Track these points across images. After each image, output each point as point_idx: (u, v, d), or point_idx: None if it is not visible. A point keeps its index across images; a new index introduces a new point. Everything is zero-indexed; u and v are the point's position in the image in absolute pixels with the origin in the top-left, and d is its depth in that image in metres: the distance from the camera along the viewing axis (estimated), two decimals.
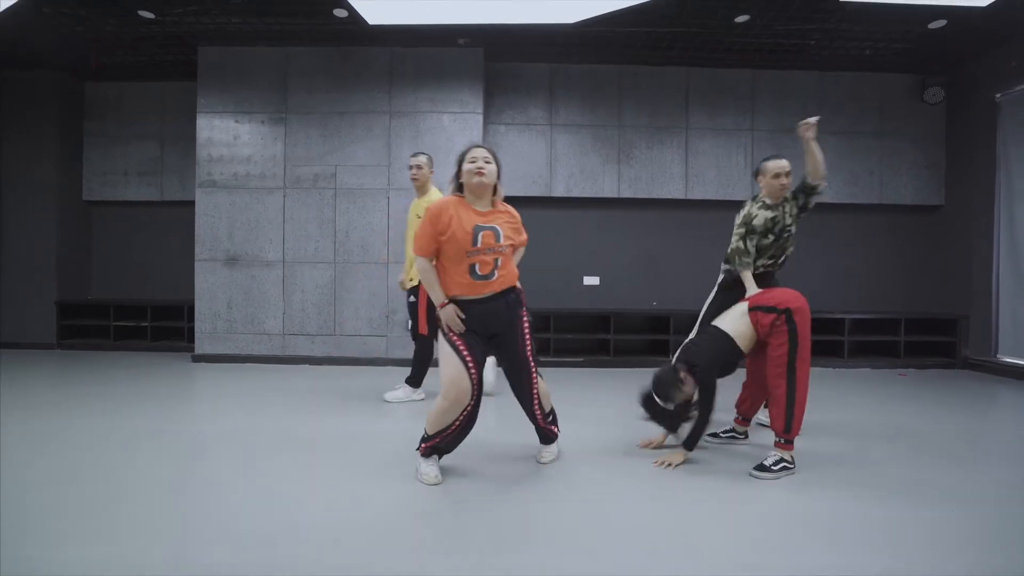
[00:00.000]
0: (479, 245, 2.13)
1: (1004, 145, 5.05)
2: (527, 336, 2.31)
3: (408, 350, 4.90)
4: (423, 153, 3.54)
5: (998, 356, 5.10)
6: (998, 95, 5.06)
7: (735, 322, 2.52)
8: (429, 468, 2.23)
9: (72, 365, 4.76)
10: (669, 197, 5.29)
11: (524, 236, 2.39)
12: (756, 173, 2.98)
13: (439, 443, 2.24)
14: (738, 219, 2.96)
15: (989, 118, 5.11)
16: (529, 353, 2.32)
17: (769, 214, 2.84)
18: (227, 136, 4.96)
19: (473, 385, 2.14)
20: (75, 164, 5.67)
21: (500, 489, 2.21)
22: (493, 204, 2.28)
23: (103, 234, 5.91)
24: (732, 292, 2.91)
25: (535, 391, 2.38)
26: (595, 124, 5.29)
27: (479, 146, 2.24)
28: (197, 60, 4.94)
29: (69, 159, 5.62)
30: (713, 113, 5.32)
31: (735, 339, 2.48)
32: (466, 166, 2.18)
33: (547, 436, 2.52)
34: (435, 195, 3.41)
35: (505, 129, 5.28)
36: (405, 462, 2.42)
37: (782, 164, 2.84)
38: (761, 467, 2.35)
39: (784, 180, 2.83)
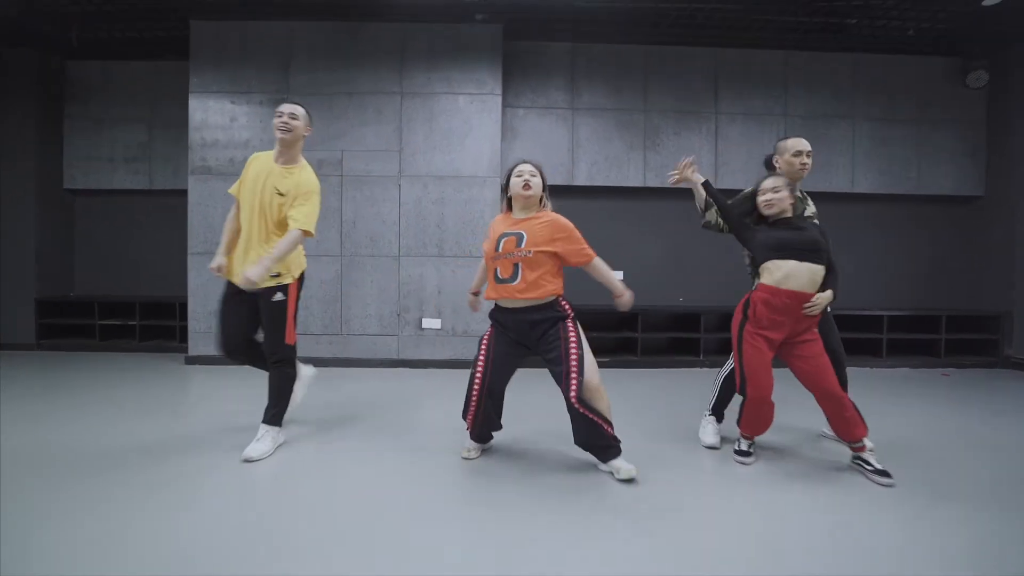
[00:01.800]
0: (500, 250, 2.27)
1: None
2: (566, 345, 2.21)
3: (420, 350, 4.58)
4: (300, 104, 2.58)
5: None
6: None
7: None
8: (468, 444, 2.50)
9: (53, 368, 4.34)
10: None
11: (575, 247, 2.31)
12: (768, 160, 2.68)
13: (473, 424, 2.40)
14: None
15: None
16: (570, 363, 2.18)
17: None
18: (223, 118, 4.56)
19: (475, 376, 2.35)
20: (55, 150, 5.23)
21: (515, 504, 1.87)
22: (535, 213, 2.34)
23: (87, 226, 5.47)
24: None
25: (575, 402, 2.17)
26: (620, 108, 4.95)
27: (526, 162, 2.37)
28: (189, 36, 4.53)
29: (49, 144, 5.18)
30: (744, 97, 5.01)
31: None
32: (513, 180, 2.33)
33: (608, 447, 2.25)
34: (307, 169, 2.56)
35: (524, 113, 4.93)
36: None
37: (802, 142, 2.56)
38: (883, 472, 2.24)
39: (805, 159, 2.54)
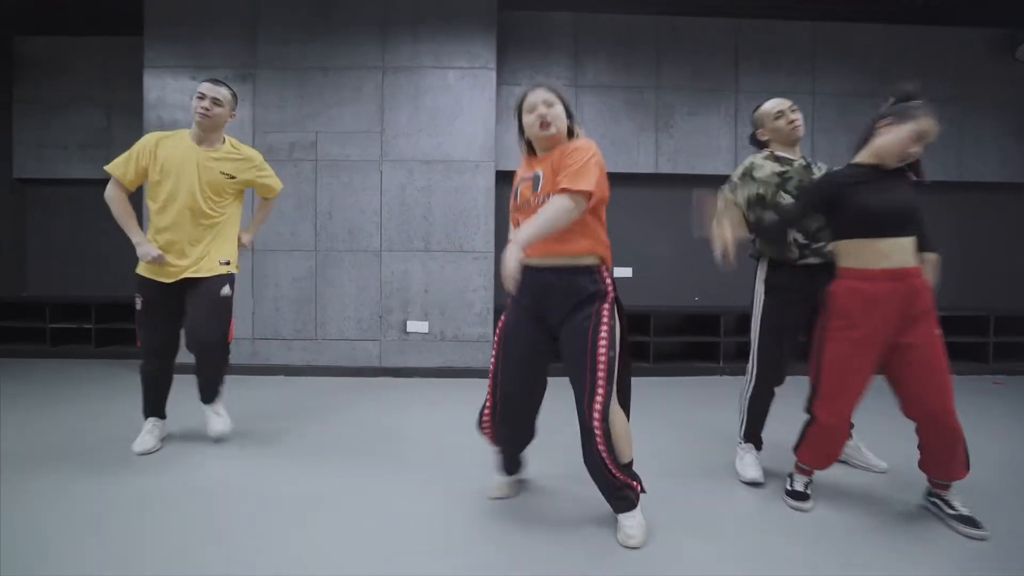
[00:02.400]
0: (518, 200, 1.79)
1: None
2: (595, 338, 1.62)
3: (404, 357, 4.08)
4: (226, 85, 2.39)
5: None
6: None
7: None
8: (496, 478, 1.98)
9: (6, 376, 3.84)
10: (715, 173, 4.44)
11: (576, 180, 1.59)
12: (752, 137, 2.24)
13: (497, 452, 1.93)
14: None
15: None
16: (596, 365, 1.61)
17: (777, 167, 2.08)
18: (182, 97, 4.05)
19: (495, 388, 1.83)
20: (3, 136, 4.73)
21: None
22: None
23: (40, 219, 4.96)
24: (782, 294, 2.10)
25: (596, 425, 1.61)
26: (628, 85, 4.44)
27: (539, 86, 1.76)
28: (144, 2, 4.03)
29: None
30: (767, 72, 4.50)
31: None
32: (526, 119, 1.76)
33: (620, 498, 1.70)
34: (237, 143, 2.46)
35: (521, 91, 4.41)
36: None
37: (780, 100, 2.15)
38: (970, 519, 1.75)
39: (791, 116, 2.12)
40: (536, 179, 1.71)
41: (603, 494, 1.72)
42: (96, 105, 4.74)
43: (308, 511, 1.86)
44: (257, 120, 4.05)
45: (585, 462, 1.68)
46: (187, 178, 2.31)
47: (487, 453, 2.03)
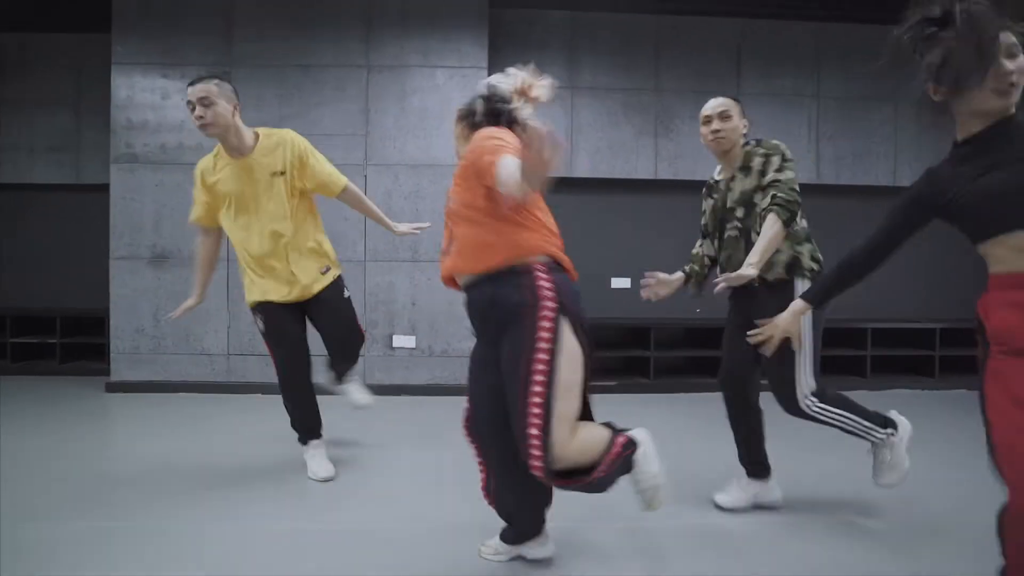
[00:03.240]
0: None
1: None
2: (528, 365, 1.30)
3: (391, 374, 3.84)
4: (208, 78, 2.19)
5: None
6: None
7: None
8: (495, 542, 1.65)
9: None
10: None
11: (481, 157, 1.36)
12: None
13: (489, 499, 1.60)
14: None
15: None
16: (528, 405, 1.30)
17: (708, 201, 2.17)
18: (152, 97, 3.81)
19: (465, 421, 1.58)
20: None
21: None
22: None
23: (1, 226, 4.68)
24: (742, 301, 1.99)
25: (542, 477, 1.32)
26: (627, 88, 4.25)
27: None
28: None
29: None
30: (770, 75, 4.32)
31: None
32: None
33: (610, 481, 1.42)
34: (269, 130, 2.33)
35: None
36: None
37: (710, 104, 1.99)
38: None
39: (717, 124, 1.93)
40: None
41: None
42: (64, 105, 4.47)
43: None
44: None
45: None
46: (248, 196, 2.17)
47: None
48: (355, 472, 2.41)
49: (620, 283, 4.43)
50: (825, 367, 2.01)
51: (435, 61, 3.84)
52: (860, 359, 4.25)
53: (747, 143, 2.00)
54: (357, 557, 1.68)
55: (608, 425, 1.46)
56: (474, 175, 1.37)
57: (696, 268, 2.23)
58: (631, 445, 1.41)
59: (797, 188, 1.84)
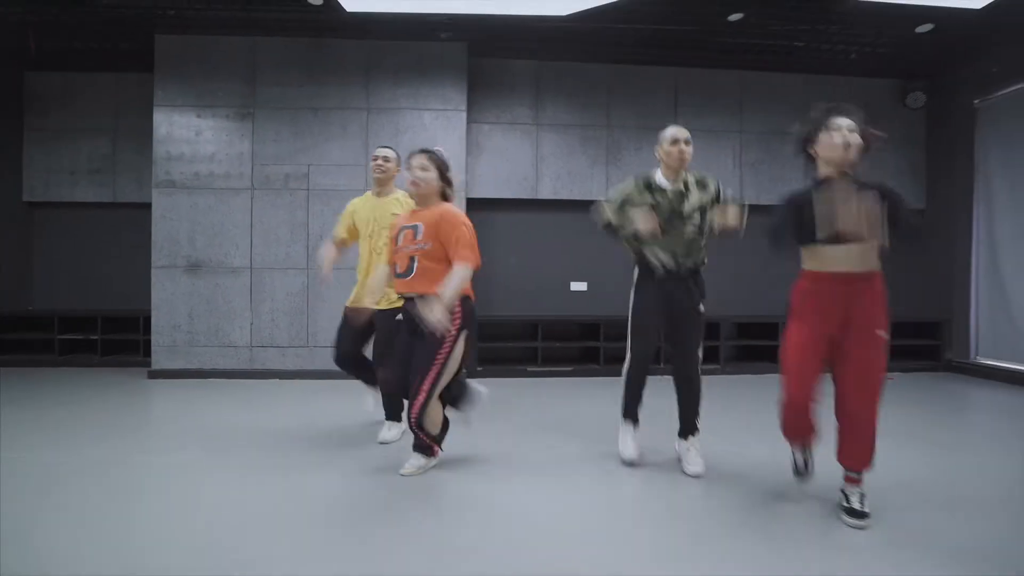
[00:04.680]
0: (399, 243, 2.31)
1: (983, 150, 5.12)
2: (439, 349, 2.28)
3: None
4: (390, 147, 3.06)
5: (977, 358, 5.16)
6: (976, 101, 5.12)
7: None
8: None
9: (6, 385, 4.25)
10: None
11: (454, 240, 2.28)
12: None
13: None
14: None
15: (968, 124, 5.17)
16: (432, 362, 2.27)
17: (648, 197, 2.49)
18: (188, 132, 4.56)
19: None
20: (13, 162, 5.14)
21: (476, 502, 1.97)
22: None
23: (48, 239, 5.37)
24: (648, 287, 2.55)
25: (414, 425, 2.32)
26: (583, 124, 5.11)
27: (420, 152, 2.36)
28: (154, 49, 4.52)
29: (6, 156, 5.09)
30: (703, 114, 5.21)
31: None
32: (406, 174, 2.36)
33: (419, 443, 2.44)
34: (401, 195, 2.93)
35: (489, 128, 5.04)
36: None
37: (680, 130, 2.50)
38: (855, 512, 1.96)
39: (683, 147, 2.45)
40: (416, 228, 2.26)
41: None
42: (102, 134, 5.18)
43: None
44: (256, 154, 4.58)
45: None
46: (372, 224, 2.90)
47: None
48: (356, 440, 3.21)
49: (578, 286, 5.29)
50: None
51: (423, 104, 4.65)
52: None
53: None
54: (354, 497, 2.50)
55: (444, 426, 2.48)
56: (448, 243, 2.23)
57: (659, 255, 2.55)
58: (434, 452, 2.47)
59: None
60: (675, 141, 2.47)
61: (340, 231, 3.05)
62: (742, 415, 3.52)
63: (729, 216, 2.42)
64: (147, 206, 4.67)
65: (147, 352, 4.71)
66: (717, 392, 3.68)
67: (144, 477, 2.44)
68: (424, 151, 2.35)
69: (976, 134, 5.16)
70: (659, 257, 2.51)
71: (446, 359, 2.27)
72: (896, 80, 5.36)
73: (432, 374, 2.26)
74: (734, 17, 4.28)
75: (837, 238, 1.87)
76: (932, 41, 4.63)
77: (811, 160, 2.06)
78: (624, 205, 2.55)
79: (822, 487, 2.21)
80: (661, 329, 2.66)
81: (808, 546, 1.85)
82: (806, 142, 2.03)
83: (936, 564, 1.71)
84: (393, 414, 2.93)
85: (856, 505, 1.96)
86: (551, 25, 4.38)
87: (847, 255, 1.91)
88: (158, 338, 4.56)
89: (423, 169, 2.28)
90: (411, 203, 2.84)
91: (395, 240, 2.32)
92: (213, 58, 4.55)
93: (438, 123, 4.65)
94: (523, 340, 5.07)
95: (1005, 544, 1.87)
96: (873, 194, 1.87)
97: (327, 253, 3.02)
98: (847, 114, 1.98)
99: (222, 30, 4.48)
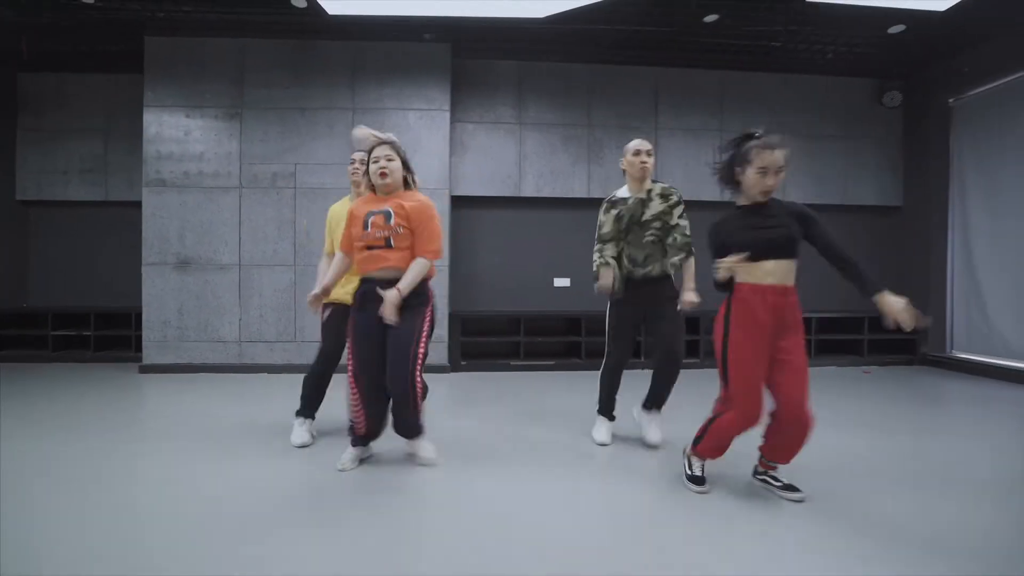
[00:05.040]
0: (368, 229, 2.30)
1: (957, 148, 5.23)
2: (421, 324, 2.36)
3: None
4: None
5: (952, 352, 5.27)
6: (951, 100, 5.23)
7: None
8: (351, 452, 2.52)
9: (4, 381, 4.36)
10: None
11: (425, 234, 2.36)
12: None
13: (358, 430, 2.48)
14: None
15: (943, 122, 5.28)
16: (418, 339, 2.33)
17: (612, 211, 2.70)
18: (177, 132, 4.66)
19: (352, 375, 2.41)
20: (6, 162, 5.24)
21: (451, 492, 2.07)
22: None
23: (42, 237, 5.48)
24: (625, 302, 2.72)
25: (413, 368, 2.32)
26: (565, 123, 5.21)
27: (382, 143, 2.36)
28: (144, 51, 4.62)
29: (0, 156, 5.19)
30: (681, 113, 5.32)
31: None
32: (371, 167, 2.34)
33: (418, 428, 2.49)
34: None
35: (473, 128, 5.14)
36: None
37: (642, 142, 2.66)
38: (792, 488, 2.14)
39: (644, 159, 2.62)
40: (388, 214, 2.27)
41: (405, 431, 2.45)
42: (94, 134, 5.28)
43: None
44: (244, 153, 4.68)
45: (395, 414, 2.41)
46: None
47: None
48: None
49: (561, 282, 5.40)
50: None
51: (407, 104, 4.75)
52: None
53: (655, 179, 2.74)
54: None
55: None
56: (419, 234, 2.31)
57: (619, 271, 2.70)
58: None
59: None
60: (637, 152, 2.65)
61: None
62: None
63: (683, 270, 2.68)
64: (138, 204, 4.78)
65: (139, 348, 4.82)
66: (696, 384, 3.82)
67: (132, 469, 2.54)
68: (387, 142, 2.36)
69: (951, 132, 5.27)
70: (624, 265, 2.72)
71: (429, 334, 2.37)
72: (873, 80, 5.46)
73: (421, 351, 2.32)
74: (710, 18, 4.38)
75: (766, 255, 2.03)
76: (906, 41, 4.74)
77: (735, 186, 2.13)
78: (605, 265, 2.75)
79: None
80: (637, 332, 2.86)
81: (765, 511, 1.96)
82: (731, 169, 2.09)
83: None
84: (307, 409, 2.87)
85: (786, 481, 2.15)
86: (533, 27, 4.48)
87: (775, 269, 2.04)
88: (149, 334, 4.67)
89: (389, 159, 2.32)
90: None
91: (363, 225, 2.30)
92: (202, 60, 4.65)
93: (422, 123, 4.75)
94: (506, 335, 5.18)
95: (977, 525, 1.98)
96: (790, 218, 2.06)
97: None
98: (775, 147, 2.02)
99: (210, 32, 4.58)
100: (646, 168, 2.65)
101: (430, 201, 2.37)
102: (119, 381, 4.36)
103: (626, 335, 2.80)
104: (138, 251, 4.72)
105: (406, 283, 2.25)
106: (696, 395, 2.86)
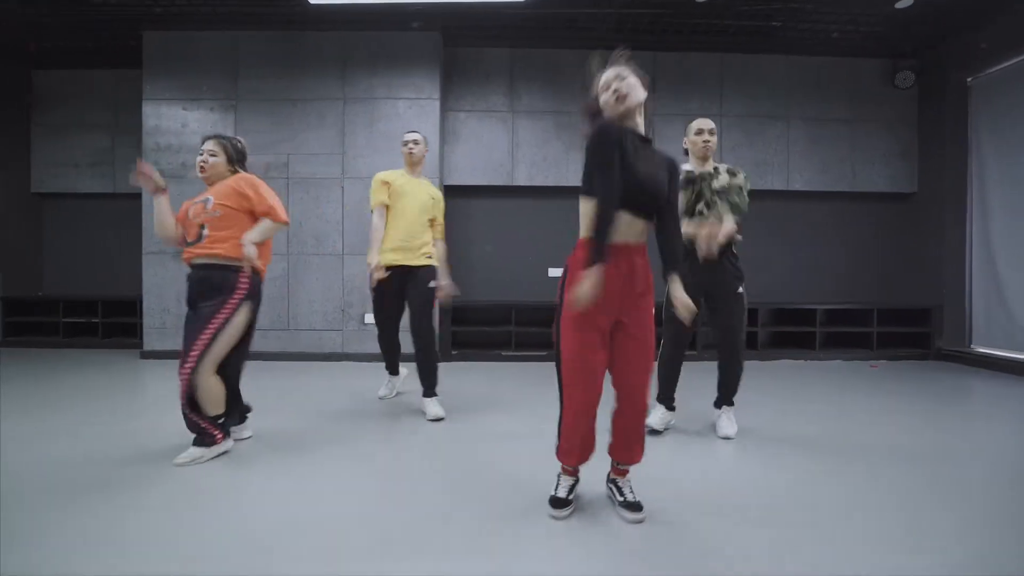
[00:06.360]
0: (189, 216, 2.32)
1: (976, 130, 4.94)
2: (218, 309, 2.29)
3: (363, 344, 4.77)
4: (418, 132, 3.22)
5: (971, 346, 4.98)
6: (969, 79, 4.94)
7: None
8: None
9: (12, 364, 4.56)
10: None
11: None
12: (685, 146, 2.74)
13: None
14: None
15: (960, 103, 4.99)
16: (207, 324, 2.26)
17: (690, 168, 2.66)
18: (175, 124, 4.78)
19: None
20: (22, 155, 5.47)
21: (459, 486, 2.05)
22: None
23: (55, 228, 5.71)
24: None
25: (187, 362, 2.24)
26: (558, 110, 5.13)
27: (208, 138, 2.45)
28: (142, 46, 4.75)
29: (15, 150, 5.42)
30: (681, 98, 5.18)
31: None
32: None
33: (202, 434, 2.30)
34: (427, 182, 3.20)
35: (465, 116, 5.11)
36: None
37: (705, 121, 2.67)
38: (634, 506, 1.80)
39: (707, 137, 2.62)
40: (207, 201, 2.31)
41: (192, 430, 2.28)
42: (102, 128, 5.47)
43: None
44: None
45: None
46: (418, 198, 3.08)
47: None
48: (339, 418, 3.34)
49: (555, 272, 5.33)
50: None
51: (397, 94, 4.75)
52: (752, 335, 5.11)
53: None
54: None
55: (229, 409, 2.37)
56: (253, 203, 2.31)
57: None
58: (216, 439, 2.28)
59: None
60: (699, 132, 2.65)
61: (382, 199, 3.04)
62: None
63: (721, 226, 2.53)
64: (142, 195, 4.92)
65: (143, 334, 4.97)
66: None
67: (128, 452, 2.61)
68: (213, 137, 2.44)
69: (969, 113, 4.98)
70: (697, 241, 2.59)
71: (222, 325, 2.23)
72: (884, 60, 5.20)
73: (204, 338, 2.20)
74: None
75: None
76: (917, 17, 4.49)
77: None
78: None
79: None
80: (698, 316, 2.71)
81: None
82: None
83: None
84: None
85: (630, 497, 1.82)
86: (523, 12, 4.42)
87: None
88: (149, 320, 4.81)
89: (212, 154, 2.39)
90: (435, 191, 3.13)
91: (185, 215, 2.34)
92: (197, 53, 4.75)
93: (412, 111, 4.74)
94: (498, 325, 5.14)
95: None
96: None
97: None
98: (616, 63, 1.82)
99: (205, 26, 4.67)
100: (709, 147, 2.64)
101: (249, 175, 2.43)
102: (119, 367, 4.50)
103: (679, 323, 2.63)
104: (142, 241, 4.86)
105: (255, 234, 2.34)
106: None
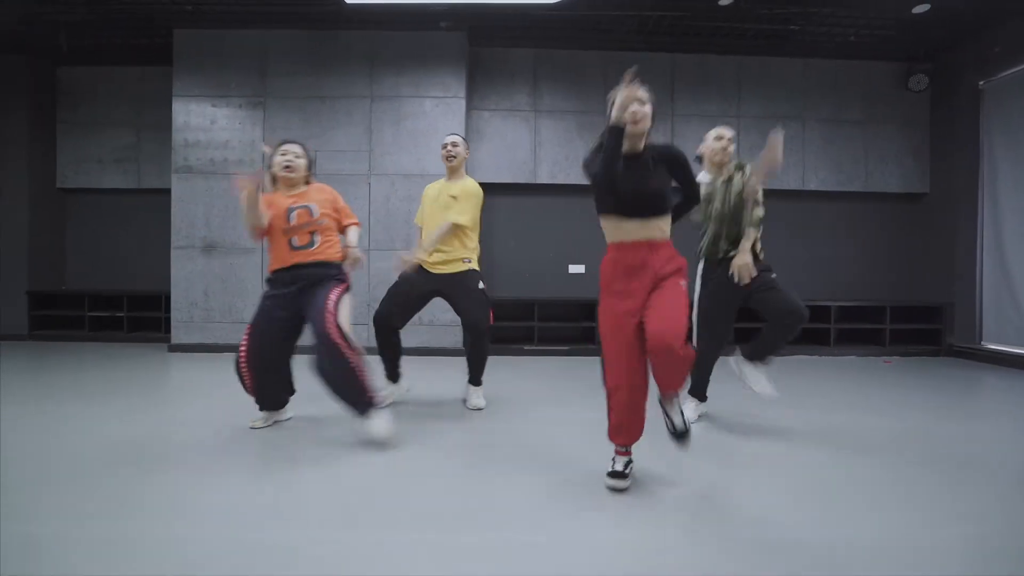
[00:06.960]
0: (292, 222, 2.46)
1: (987, 132, 5.06)
2: (332, 292, 2.51)
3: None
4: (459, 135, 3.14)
5: (982, 343, 5.10)
6: (981, 82, 5.07)
7: None
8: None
9: (40, 357, 4.61)
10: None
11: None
12: (699, 154, 2.75)
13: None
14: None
15: (972, 105, 5.12)
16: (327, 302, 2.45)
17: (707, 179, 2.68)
18: (204, 121, 4.85)
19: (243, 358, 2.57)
20: (48, 151, 5.53)
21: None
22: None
23: (79, 223, 5.76)
24: (715, 277, 2.67)
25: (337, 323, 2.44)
26: (580, 110, 5.23)
27: (286, 141, 2.62)
28: (173, 43, 4.82)
29: (41, 146, 5.47)
30: (699, 99, 5.28)
31: None
32: (276, 158, 2.57)
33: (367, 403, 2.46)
34: (470, 181, 3.11)
35: (489, 115, 5.21)
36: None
37: (723, 128, 2.68)
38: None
39: (726, 144, 2.61)
40: (311, 209, 2.49)
41: (349, 400, 2.39)
42: (127, 125, 5.53)
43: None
44: (266, 141, 4.82)
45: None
46: (439, 203, 3.07)
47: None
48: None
49: (576, 269, 5.43)
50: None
51: (424, 92, 4.84)
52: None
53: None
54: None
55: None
56: (340, 212, 2.65)
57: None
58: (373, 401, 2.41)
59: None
60: (719, 137, 2.66)
61: (420, 216, 3.22)
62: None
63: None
64: (168, 191, 4.98)
65: (168, 328, 5.03)
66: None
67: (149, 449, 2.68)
68: (292, 141, 2.62)
69: (981, 116, 5.10)
70: (720, 245, 2.67)
71: (342, 294, 2.48)
72: (898, 63, 5.33)
73: (333, 297, 2.41)
74: (724, 1, 4.35)
75: None
76: (932, 21, 4.61)
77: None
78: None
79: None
80: (732, 318, 2.75)
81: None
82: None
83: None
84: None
85: (678, 423, 1.92)
86: (546, 13, 4.52)
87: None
88: (177, 314, 4.87)
89: (297, 156, 2.56)
90: (476, 188, 3.08)
91: (287, 218, 2.46)
92: (227, 51, 4.82)
93: (438, 110, 4.83)
94: (520, 320, 5.23)
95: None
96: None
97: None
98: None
99: (235, 24, 4.75)
100: (727, 153, 2.64)
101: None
102: (148, 359, 4.56)
103: (718, 322, 2.71)
104: (167, 235, 4.93)
105: (356, 240, 2.71)
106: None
